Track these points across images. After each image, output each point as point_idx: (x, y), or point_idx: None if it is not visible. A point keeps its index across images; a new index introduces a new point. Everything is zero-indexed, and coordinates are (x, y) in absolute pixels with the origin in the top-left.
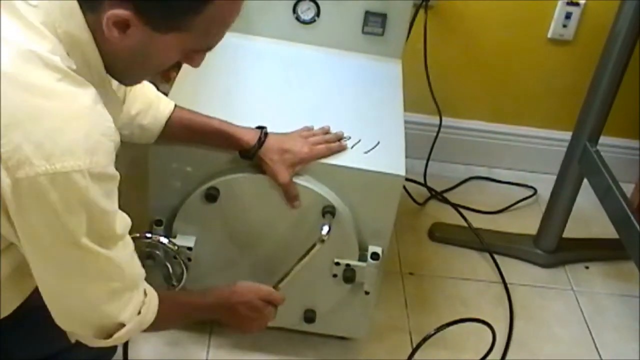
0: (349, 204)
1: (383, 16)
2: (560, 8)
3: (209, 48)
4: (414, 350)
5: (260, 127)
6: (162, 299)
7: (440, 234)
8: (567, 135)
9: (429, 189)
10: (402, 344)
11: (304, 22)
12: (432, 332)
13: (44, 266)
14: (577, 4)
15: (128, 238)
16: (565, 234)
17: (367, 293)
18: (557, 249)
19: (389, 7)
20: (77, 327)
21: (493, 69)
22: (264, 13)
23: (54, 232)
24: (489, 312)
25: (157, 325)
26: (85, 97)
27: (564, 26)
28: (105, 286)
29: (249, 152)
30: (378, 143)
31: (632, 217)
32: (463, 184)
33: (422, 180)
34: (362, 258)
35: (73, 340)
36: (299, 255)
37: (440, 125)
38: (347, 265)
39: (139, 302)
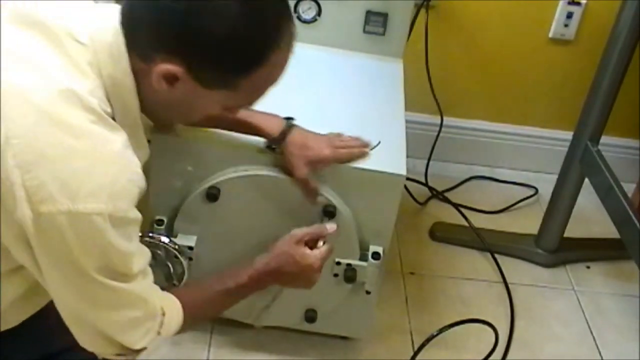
0: (350, 204)
1: (384, 16)
2: (561, 8)
3: (251, 105)
4: (417, 352)
5: (288, 118)
6: (187, 302)
7: (441, 233)
8: (569, 134)
9: (430, 189)
10: (403, 343)
11: (305, 22)
12: (435, 333)
13: (64, 291)
14: (578, 4)
15: (148, 269)
16: (567, 234)
17: (368, 293)
18: (558, 249)
19: (390, 6)
20: (98, 347)
21: (494, 69)
22: None
23: (69, 266)
24: (490, 312)
25: (189, 327)
26: (116, 142)
27: (565, 26)
28: (125, 315)
29: (271, 143)
30: (379, 142)
31: (634, 217)
32: (464, 184)
33: (423, 180)
34: (363, 258)
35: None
36: None
37: (441, 125)
38: (348, 264)
39: (155, 330)
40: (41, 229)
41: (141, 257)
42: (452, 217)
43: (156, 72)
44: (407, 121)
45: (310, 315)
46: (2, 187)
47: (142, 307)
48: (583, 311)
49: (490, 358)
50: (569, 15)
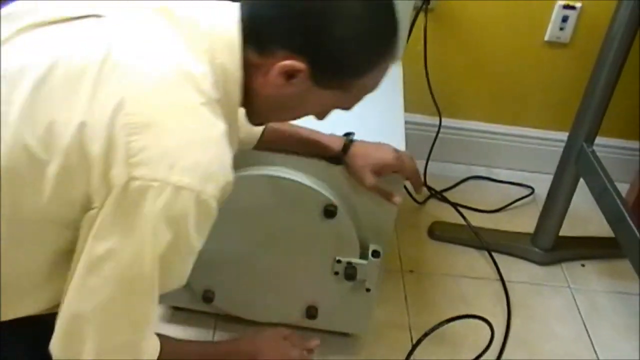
0: (351, 203)
1: None
2: (557, 11)
3: (349, 108)
4: (414, 347)
5: (348, 134)
6: (165, 351)
7: (440, 232)
8: (564, 135)
9: (429, 188)
10: (402, 340)
11: None
12: (432, 328)
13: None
14: (573, 8)
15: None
16: (562, 233)
17: (368, 290)
18: (554, 247)
19: None
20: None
21: (492, 71)
22: None
23: (133, 238)
24: (488, 309)
25: None
26: (218, 128)
27: (561, 29)
28: (128, 329)
29: (335, 158)
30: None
31: (628, 216)
32: (462, 184)
33: (422, 180)
34: (363, 256)
35: None
36: (299, 255)
37: (439, 126)
38: (349, 263)
39: None
40: (127, 193)
41: (182, 280)
42: (450, 216)
43: (278, 66)
44: (406, 122)
45: (311, 312)
46: (105, 145)
47: (147, 331)
48: (578, 308)
49: (486, 354)
50: (565, 19)
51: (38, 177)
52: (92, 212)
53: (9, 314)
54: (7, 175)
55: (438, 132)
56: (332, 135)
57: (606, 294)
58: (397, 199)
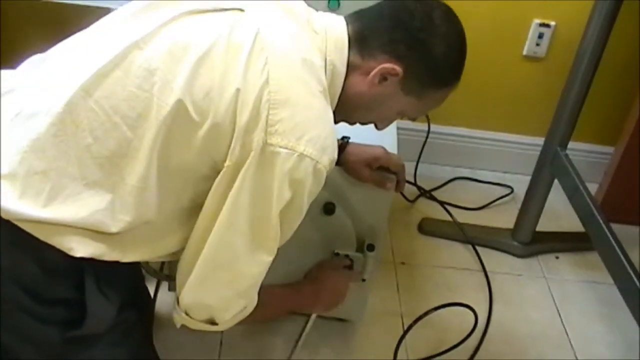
0: (348, 201)
1: None
2: (533, 29)
3: (415, 118)
4: (406, 331)
5: (344, 137)
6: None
7: (428, 227)
8: (540, 140)
9: (419, 188)
10: (395, 326)
11: None
12: (421, 315)
13: (227, 225)
14: (548, 26)
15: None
16: (538, 228)
17: (363, 280)
18: (531, 241)
19: None
20: (205, 298)
21: (475, 82)
22: None
23: (261, 198)
24: (471, 297)
25: (255, 316)
26: (330, 111)
27: (537, 45)
28: (261, 267)
29: None
30: None
31: (596, 213)
32: (449, 184)
33: (412, 180)
34: (359, 249)
35: (178, 326)
36: (299, 252)
37: (428, 131)
38: (346, 255)
39: (247, 309)
40: (262, 155)
41: (290, 234)
42: (438, 213)
43: (381, 67)
44: (398, 128)
45: None
46: (251, 113)
47: (262, 273)
48: (552, 296)
49: (471, 338)
50: (540, 36)
51: (191, 135)
52: (223, 170)
53: (132, 256)
54: (166, 133)
55: (427, 137)
56: None
57: (577, 283)
58: (390, 185)
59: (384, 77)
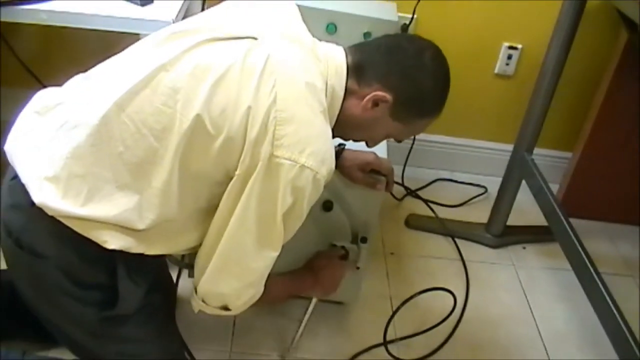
0: (345, 199)
1: None
2: (503, 51)
3: (401, 140)
4: (394, 313)
5: (340, 144)
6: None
7: (414, 222)
8: (510, 146)
9: (406, 188)
10: (384, 307)
11: None
12: (408, 298)
13: (238, 225)
14: (516, 48)
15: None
16: (509, 222)
17: (357, 268)
18: (502, 234)
19: None
20: (221, 287)
21: (454, 96)
22: None
23: (265, 203)
24: (451, 283)
25: (263, 300)
26: (329, 130)
27: (507, 64)
28: (267, 262)
29: None
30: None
31: (558, 210)
32: (431, 184)
33: (400, 181)
34: (354, 241)
35: (196, 311)
36: (302, 243)
37: (414, 139)
38: (342, 247)
39: (256, 297)
40: (268, 166)
41: (290, 236)
42: (422, 210)
43: (374, 94)
44: None
45: None
46: (260, 128)
47: (269, 266)
48: (520, 281)
49: (450, 317)
50: (509, 57)
51: (208, 147)
52: (235, 178)
53: (156, 249)
54: (186, 144)
55: (413, 143)
56: None
57: (541, 270)
58: (380, 186)
59: (375, 102)
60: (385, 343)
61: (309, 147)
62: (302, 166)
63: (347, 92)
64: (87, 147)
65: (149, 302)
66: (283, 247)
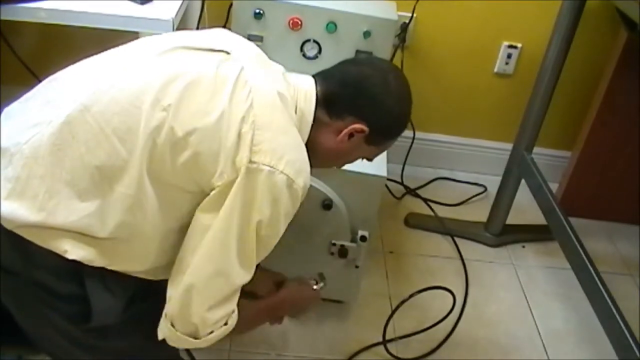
0: (344, 198)
1: (370, 54)
2: (503, 50)
3: (372, 159)
4: (394, 311)
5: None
6: (240, 307)
7: (413, 221)
8: (509, 145)
9: (405, 187)
10: (384, 306)
11: (309, 58)
12: (407, 297)
13: (213, 236)
14: (515, 47)
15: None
16: (508, 221)
17: (357, 267)
18: (501, 233)
19: (374, 47)
20: (195, 307)
21: (454, 95)
22: (278, 51)
23: (241, 210)
24: (450, 281)
25: (238, 329)
26: (304, 145)
27: (506, 63)
28: (242, 277)
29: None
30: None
31: (557, 209)
32: (431, 183)
33: (399, 180)
34: (353, 240)
35: (160, 338)
36: (301, 243)
37: (413, 138)
38: (342, 245)
39: (231, 318)
40: (246, 173)
41: (267, 252)
42: (421, 208)
43: (351, 128)
44: None
45: None
46: (236, 134)
47: (240, 284)
48: (519, 280)
49: (449, 316)
50: (509, 56)
51: (176, 153)
52: (215, 190)
53: (119, 266)
54: (152, 147)
55: (412, 142)
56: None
57: (540, 268)
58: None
59: (351, 134)
60: (384, 342)
61: (286, 155)
62: (281, 172)
63: (317, 122)
64: (48, 147)
65: (133, 312)
66: (283, 246)
